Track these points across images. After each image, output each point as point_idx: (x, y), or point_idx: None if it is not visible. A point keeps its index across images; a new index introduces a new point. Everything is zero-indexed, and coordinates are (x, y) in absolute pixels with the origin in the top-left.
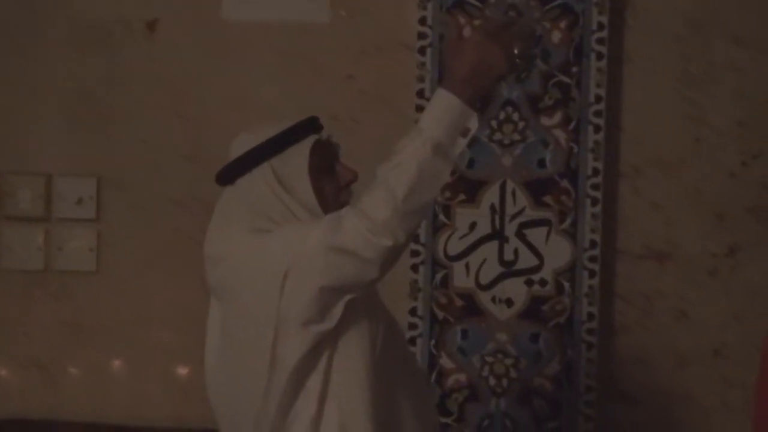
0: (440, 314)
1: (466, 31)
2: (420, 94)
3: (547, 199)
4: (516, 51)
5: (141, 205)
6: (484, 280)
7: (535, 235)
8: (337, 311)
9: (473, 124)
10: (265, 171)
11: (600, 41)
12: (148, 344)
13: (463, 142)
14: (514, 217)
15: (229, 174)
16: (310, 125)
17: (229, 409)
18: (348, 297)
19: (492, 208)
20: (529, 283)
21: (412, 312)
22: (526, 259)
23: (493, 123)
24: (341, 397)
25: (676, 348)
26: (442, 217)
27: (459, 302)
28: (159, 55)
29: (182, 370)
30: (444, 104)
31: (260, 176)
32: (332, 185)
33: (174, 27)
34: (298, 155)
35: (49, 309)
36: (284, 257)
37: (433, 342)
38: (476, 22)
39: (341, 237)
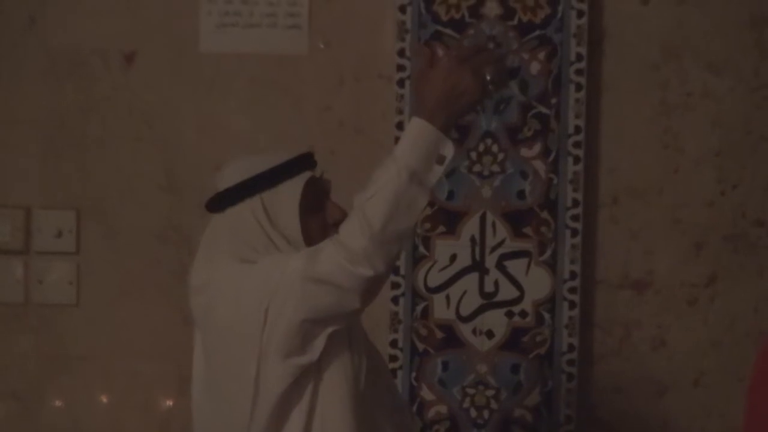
0: (420, 346)
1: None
2: (399, 126)
3: (527, 230)
4: (488, 77)
5: (119, 237)
6: (465, 311)
7: (516, 266)
8: (319, 343)
9: (448, 151)
10: (255, 203)
11: (579, 72)
12: (127, 376)
13: (439, 170)
14: (494, 248)
15: (220, 203)
16: (306, 161)
17: None
18: (330, 329)
19: (472, 239)
20: (510, 314)
21: (393, 344)
22: (507, 291)
23: (473, 155)
24: (325, 428)
25: (655, 377)
26: (422, 249)
27: (439, 334)
28: (136, 86)
29: (162, 402)
30: (417, 132)
31: (249, 208)
32: (320, 222)
33: (152, 58)
34: (291, 191)
35: (28, 342)
36: (265, 289)
37: (413, 374)
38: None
39: (319, 267)
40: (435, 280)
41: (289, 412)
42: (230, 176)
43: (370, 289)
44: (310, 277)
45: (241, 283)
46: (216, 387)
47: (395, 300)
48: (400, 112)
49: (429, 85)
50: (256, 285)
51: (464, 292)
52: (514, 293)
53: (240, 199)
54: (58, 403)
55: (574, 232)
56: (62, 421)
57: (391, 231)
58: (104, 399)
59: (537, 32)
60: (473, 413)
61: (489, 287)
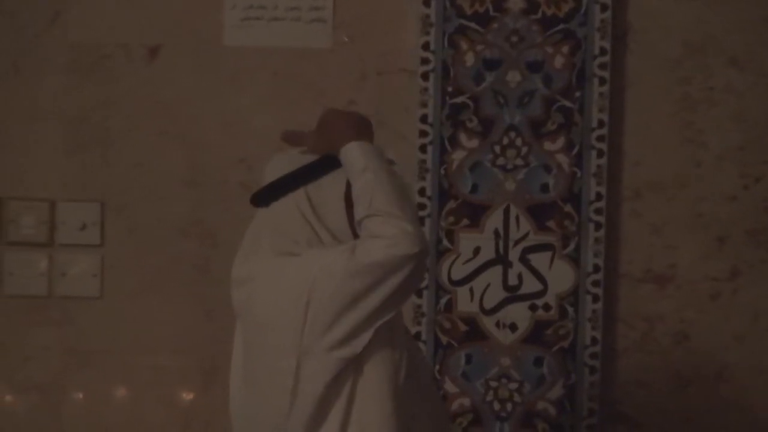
0: (444, 339)
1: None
2: (423, 119)
3: (551, 224)
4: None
5: (143, 230)
6: (488, 304)
7: (539, 259)
8: (365, 337)
9: (391, 154)
10: (300, 196)
11: (602, 66)
12: (150, 369)
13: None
14: (518, 242)
15: (265, 197)
16: None
17: None
18: (378, 322)
19: (496, 233)
20: (533, 307)
21: (417, 337)
22: (530, 284)
23: (496, 148)
24: (363, 423)
25: (678, 370)
26: (445, 242)
27: (463, 327)
28: (160, 80)
29: (185, 396)
30: (359, 150)
31: (294, 201)
32: None
33: (175, 52)
34: (335, 182)
35: (51, 334)
36: (307, 283)
37: (437, 367)
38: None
39: (362, 258)
40: (458, 273)
41: (329, 406)
42: (274, 170)
43: (417, 268)
44: (353, 269)
45: (282, 277)
46: (254, 381)
47: (419, 293)
48: (424, 105)
49: (335, 126)
50: (297, 278)
51: (488, 285)
52: (537, 286)
53: (284, 193)
54: (80, 396)
55: (598, 226)
56: (84, 415)
57: (407, 207)
58: (126, 393)
59: (561, 26)
60: (496, 406)
61: (512, 280)
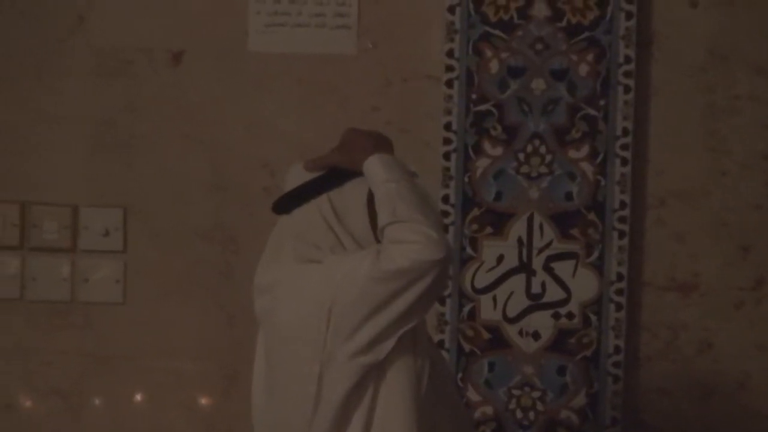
0: (467, 347)
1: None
2: (447, 126)
3: (574, 232)
4: None
5: (166, 236)
6: (512, 313)
7: (563, 268)
8: (389, 344)
9: (412, 167)
10: (323, 202)
11: (627, 74)
12: (172, 375)
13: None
14: (541, 250)
15: (287, 204)
16: None
17: None
18: (401, 330)
19: (519, 240)
20: (557, 316)
21: (440, 345)
22: (554, 292)
23: (520, 156)
24: (386, 428)
25: (701, 380)
26: (469, 250)
27: (486, 335)
28: (183, 85)
29: (205, 401)
30: (380, 162)
31: (316, 207)
32: None
33: (199, 58)
34: (358, 188)
35: (72, 339)
36: (329, 289)
37: (460, 375)
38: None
39: (385, 265)
40: (482, 281)
41: (351, 413)
42: (295, 178)
43: (441, 274)
44: (377, 275)
45: (304, 283)
46: (277, 388)
47: (442, 301)
48: (448, 112)
49: (357, 143)
50: (319, 284)
51: (511, 293)
52: (560, 295)
53: (307, 199)
54: (101, 401)
55: (622, 234)
56: (104, 420)
57: (431, 214)
58: (148, 398)
59: (585, 34)
60: (519, 414)
61: (536, 288)
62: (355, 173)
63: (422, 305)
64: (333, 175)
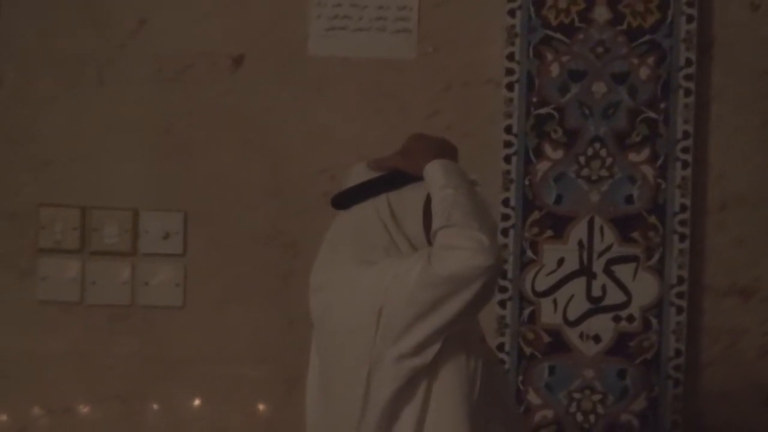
0: (527, 350)
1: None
2: (507, 130)
3: (635, 235)
4: None
5: (226, 240)
6: (572, 316)
7: (623, 271)
8: (435, 348)
9: (473, 174)
10: (381, 202)
11: (687, 77)
12: (232, 380)
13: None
14: (602, 253)
15: (347, 199)
16: None
17: None
18: (448, 333)
19: (580, 244)
20: (617, 319)
21: (500, 348)
22: (614, 296)
23: (581, 159)
24: (438, 427)
25: (762, 384)
26: (529, 253)
27: (546, 338)
28: (243, 90)
29: (264, 407)
30: (440, 168)
31: (374, 207)
32: None
33: (259, 62)
34: (417, 193)
35: (133, 344)
36: (380, 291)
37: (520, 378)
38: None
39: (437, 270)
40: (542, 284)
41: (401, 411)
42: (357, 175)
43: (490, 281)
44: (427, 280)
45: (357, 285)
46: (329, 389)
47: (502, 304)
48: (509, 116)
49: (420, 148)
50: (371, 287)
51: (571, 297)
52: (621, 298)
53: (366, 197)
54: (159, 406)
55: (682, 237)
56: (163, 425)
57: (485, 221)
58: (207, 403)
59: (646, 37)
60: (579, 418)
61: (596, 292)
62: (415, 177)
63: (469, 311)
64: (394, 177)
